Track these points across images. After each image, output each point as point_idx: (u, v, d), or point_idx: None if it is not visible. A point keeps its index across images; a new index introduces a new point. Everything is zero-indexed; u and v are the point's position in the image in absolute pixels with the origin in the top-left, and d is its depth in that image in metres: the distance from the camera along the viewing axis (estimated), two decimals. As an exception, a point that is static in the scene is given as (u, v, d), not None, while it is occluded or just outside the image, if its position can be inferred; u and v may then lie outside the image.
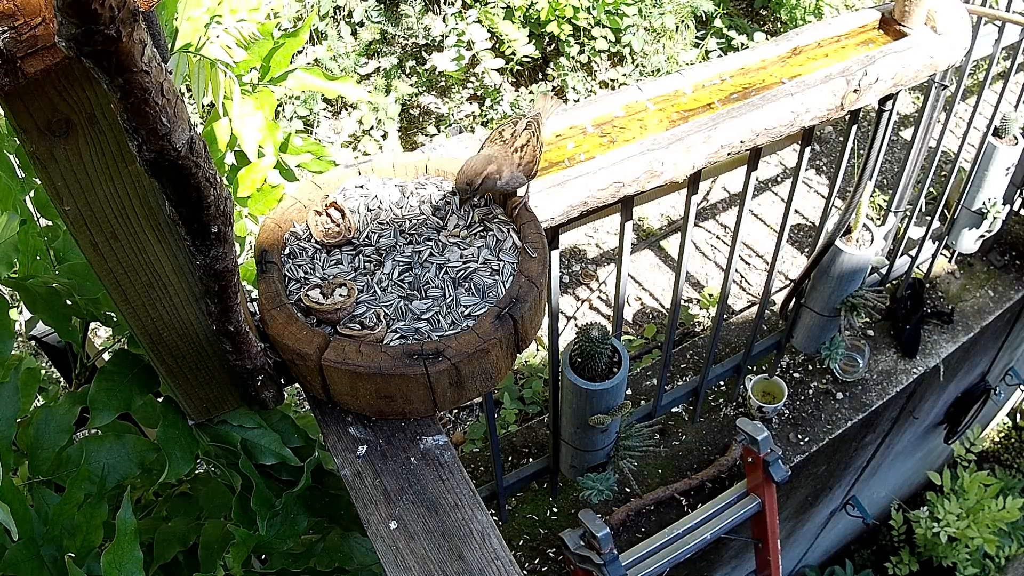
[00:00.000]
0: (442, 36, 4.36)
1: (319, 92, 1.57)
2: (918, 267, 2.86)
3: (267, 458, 1.22)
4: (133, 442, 1.21)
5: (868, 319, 2.77)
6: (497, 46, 4.36)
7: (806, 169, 3.42)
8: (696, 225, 4.15)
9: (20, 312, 2.57)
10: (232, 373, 1.13)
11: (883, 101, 1.85)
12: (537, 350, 3.85)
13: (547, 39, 4.47)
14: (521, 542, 2.41)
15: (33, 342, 1.85)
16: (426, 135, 4.52)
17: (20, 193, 1.31)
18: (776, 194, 4.32)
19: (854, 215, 2.08)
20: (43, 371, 3.10)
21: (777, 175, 4.42)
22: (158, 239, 0.94)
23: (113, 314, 1.32)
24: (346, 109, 4.60)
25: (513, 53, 4.33)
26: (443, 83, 4.50)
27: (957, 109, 2.37)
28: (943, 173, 3.49)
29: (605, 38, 4.45)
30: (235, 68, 1.45)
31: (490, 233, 1.19)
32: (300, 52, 4.54)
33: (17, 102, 0.76)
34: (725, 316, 2.65)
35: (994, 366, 3.58)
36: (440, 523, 1.07)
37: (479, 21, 4.27)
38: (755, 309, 2.65)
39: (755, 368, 2.71)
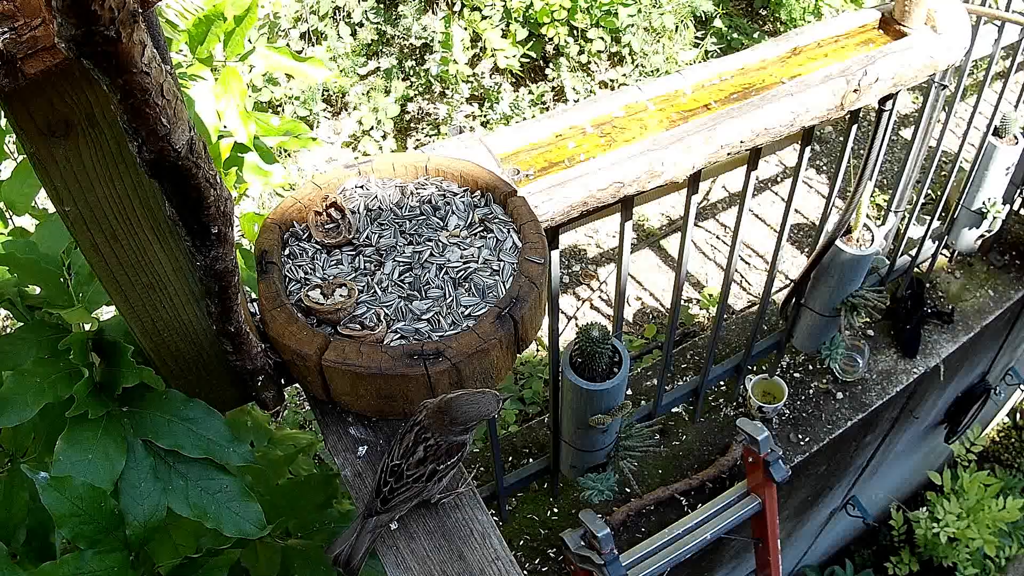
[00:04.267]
0: (442, 35, 4.36)
1: (287, 71, 1.56)
2: (918, 267, 2.86)
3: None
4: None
5: (868, 319, 2.77)
6: (487, 49, 4.36)
7: (806, 169, 3.42)
8: (696, 225, 4.15)
9: None
10: (232, 373, 1.13)
11: (883, 101, 1.84)
12: (537, 350, 3.85)
13: (546, 39, 4.47)
14: (521, 542, 2.41)
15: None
16: (426, 135, 4.52)
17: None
18: (776, 194, 4.32)
19: (854, 215, 2.08)
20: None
21: (777, 175, 4.42)
22: (158, 240, 0.94)
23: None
24: (346, 110, 4.60)
25: (504, 57, 4.33)
26: (443, 83, 4.50)
27: (957, 109, 2.37)
28: (943, 173, 3.49)
29: (601, 39, 4.45)
30: (184, 38, 1.44)
31: (490, 233, 1.19)
32: (299, 53, 4.53)
33: (17, 103, 0.76)
34: (725, 316, 2.65)
35: (994, 366, 3.58)
36: (440, 523, 1.07)
37: (465, 24, 4.27)
38: (755, 309, 2.64)
39: (755, 368, 2.71)
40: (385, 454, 1.06)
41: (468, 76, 4.42)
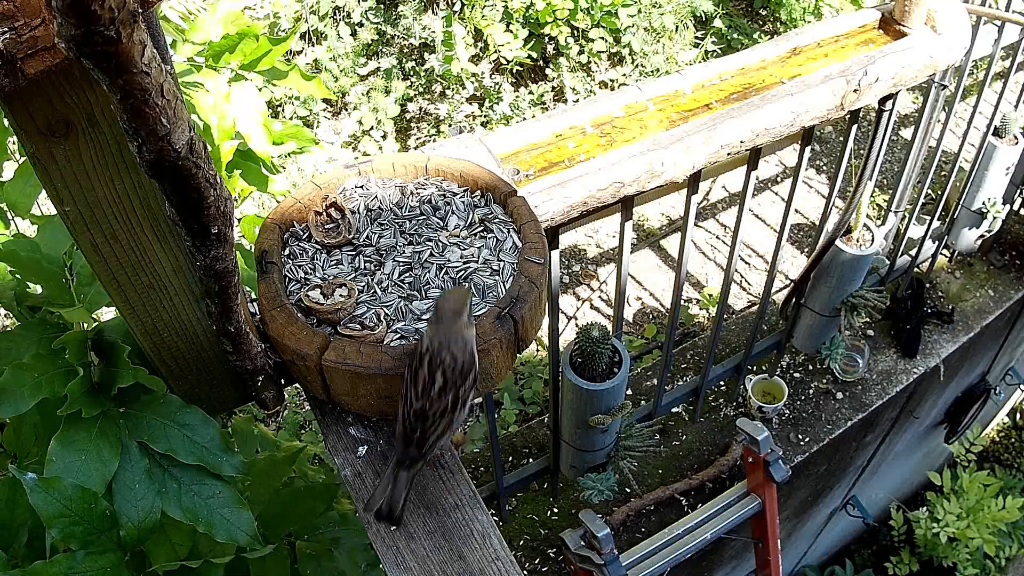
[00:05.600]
0: (443, 34, 4.36)
1: (294, 87, 1.60)
2: (918, 267, 2.86)
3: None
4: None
5: (868, 319, 2.77)
6: (490, 46, 4.36)
7: (806, 169, 3.42)
8: (696, 225, 4.15)
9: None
10: (232, 373, 1.13)
11: (883, 101, 1.84)
12: (537, 350, 3.85)
13: (547, 39, 4.47)
14: (521, 542, 2.41)
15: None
16: (426, 135, 4.52)
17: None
18: (776, 194, 4.32)
19: (854, 215, 2.08)
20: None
21: (777, 175, 4.42)
22: (158, 240, 0.94)
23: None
24: (346, 110, 4.60)
25: (508, 51, 4.33)
26: (442, 83, 4.50)
27: (957, 109, 2.37)
28: (943, 173, 3.49)
29: (603, 39, 4.46)
30: (187, 33, 1.46)
31: (490, 233, 1.19)
32: (300, 53, 4.54)
33: (17, 103, 0.76)
34: (725, 316, 2.65)
35: (994, 366, 3.58)
36: (440, 523, 1.07)
37: (465, 23, 4.27)
38: (755, 309, 2.65)
39: (755, 368, 2.71)
40: (400, 402, 1.03)
41: (470, 75, 4.43)
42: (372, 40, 4.54)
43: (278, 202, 1.24)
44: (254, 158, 1.60)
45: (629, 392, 2.65)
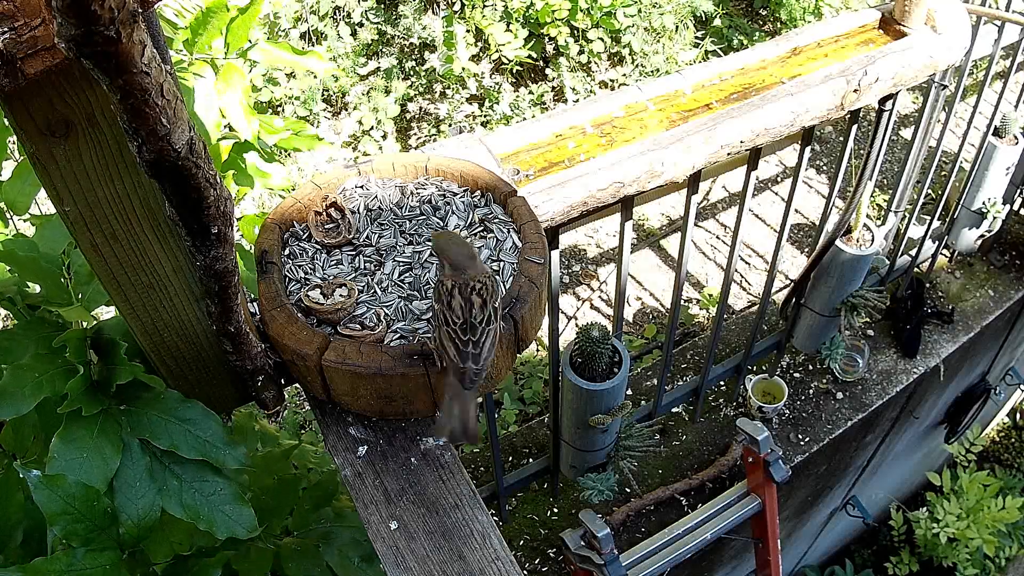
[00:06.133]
0: (444, 33, 4.36)
1: (287, 66, 1.55)
2: (918, 267, 2.86)
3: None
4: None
5: (868, 319, 2.77)
6: (490, 45, 4.36)
7: (806, 169, 3.42)
8: (696, 225, 4.15)
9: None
10: (232, 373, 1.13)
11: (883, 101, 1.85)
12: (537, 350, 3.85)
13: (547, 39, 4.47)
14: (521, 542, 2.41)
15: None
16: (426, 135, 4.52)
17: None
18: (776, 194, 4.32)
19: (854, 215, 2.08)
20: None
21: (777, 175, 4.42)
22: (158, 239, 0.94)
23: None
24: (346, 110, 4.60)
25: (510, 51, 4.33)
26: (443, 83, 4.50)
27: (957, 109, 2.37)
28: (943, 173, 3.49)
29: (601, 39, 4.46)
30: (185, 35, 1.44)
31: (490, 233, 1.19)
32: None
33: (17, 103, 0.76)
34: (725, 316, 2.65)
35: (994, 366, 3.58)
36: (440, 523, 1.07)
37: (465, 23, 4.27)
38: (755, 309, 2.65)
39: (755, 368, 2.71)
40: (442, 328, 1.03)
41: (471, 74, 4.43)
42: (372, 40, 4.54)
43: (282, 197, 1.24)
44: (247, 148, 1.58)
45: (629, 392, 2.65)
